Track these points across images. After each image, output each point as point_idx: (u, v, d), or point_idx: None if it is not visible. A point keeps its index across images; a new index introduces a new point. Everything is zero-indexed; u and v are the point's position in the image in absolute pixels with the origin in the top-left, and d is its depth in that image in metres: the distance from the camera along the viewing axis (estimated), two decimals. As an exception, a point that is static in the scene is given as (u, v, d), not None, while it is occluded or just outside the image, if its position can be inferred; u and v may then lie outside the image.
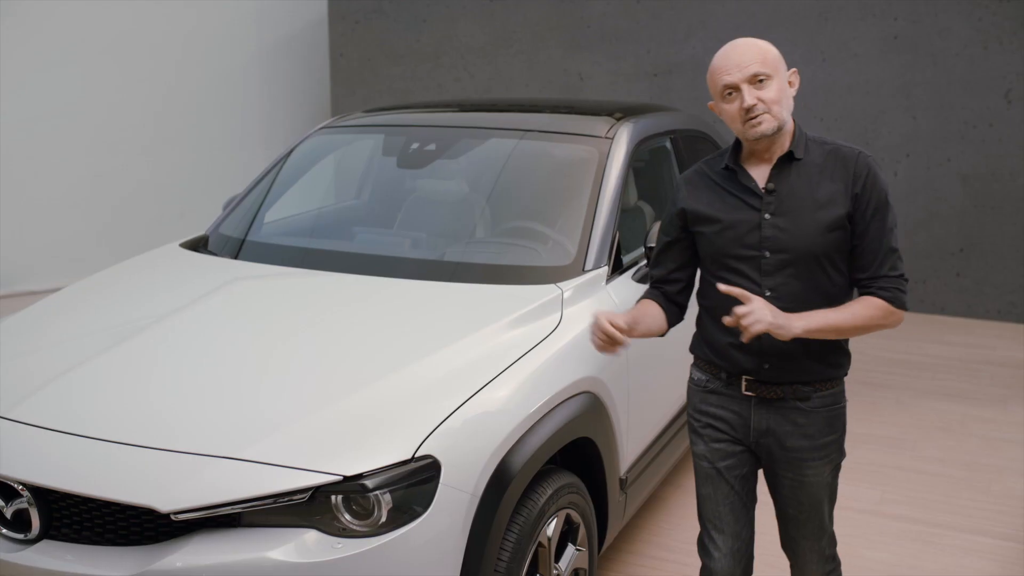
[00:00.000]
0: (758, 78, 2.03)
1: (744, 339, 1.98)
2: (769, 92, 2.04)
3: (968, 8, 6.10)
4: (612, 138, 3.20)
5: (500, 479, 2.11)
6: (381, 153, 3.52)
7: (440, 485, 1.99)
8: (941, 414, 4.66)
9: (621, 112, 3.50)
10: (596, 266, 2.85)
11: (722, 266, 2.15)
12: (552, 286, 2.68)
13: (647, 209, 3.71)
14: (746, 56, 2.05)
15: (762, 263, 2.09)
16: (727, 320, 1.99)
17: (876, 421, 4.55)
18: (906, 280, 2.12)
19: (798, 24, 6.53)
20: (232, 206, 3.45)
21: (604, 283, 2.84)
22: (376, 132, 3.56)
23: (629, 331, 2.11)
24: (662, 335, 2.32)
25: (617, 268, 2.95)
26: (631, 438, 2.83)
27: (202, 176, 7.72)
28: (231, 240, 3.23)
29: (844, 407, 2.26)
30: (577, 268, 2.81)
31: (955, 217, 6.35)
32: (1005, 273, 6.28)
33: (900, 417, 4.60)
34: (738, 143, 2.19)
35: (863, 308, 2.08)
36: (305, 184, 3.49)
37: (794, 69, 2.16)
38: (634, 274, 2.99)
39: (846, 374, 2.24)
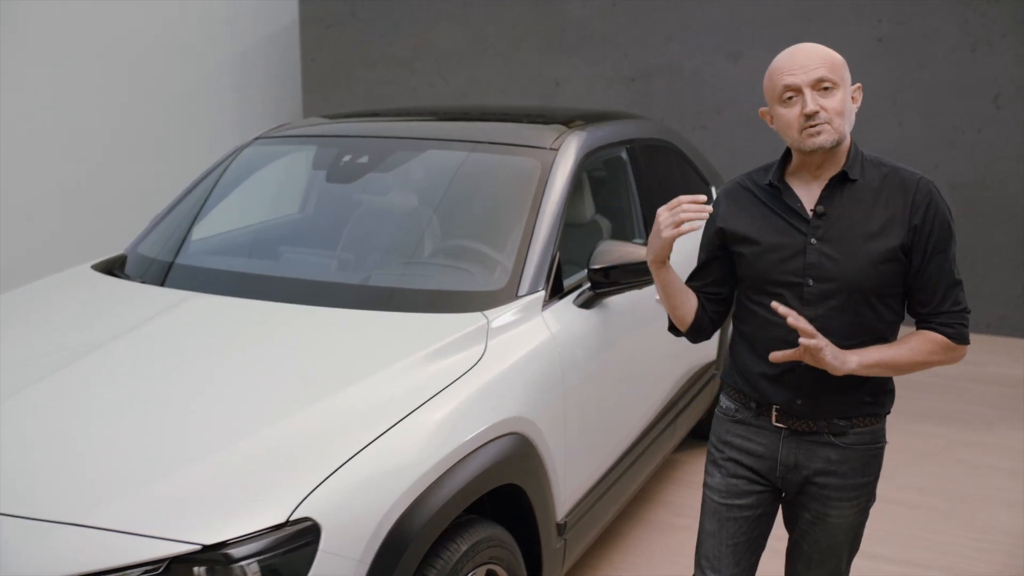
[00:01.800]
0: (823, 84, 1.88)
1: (799, 354, 1.87)
2: (833, 101, 1.89)
3: (956, 9, 5.86)
4: (558, 149, 2.96)
5: (396, 541, 1.86)
6: (311, 167, 3.27)
7: (319, 552, 1.74)
8: (925, 438, 4.40)
9: (574, 120, 3.26)
10: (532, 290, 2.60)
11: (761, 291, 2.01)
12: (478, 315, 2.44)
13: (604, 224, 3.47)
14: (813, 58, 1.90)
15: (804, 291, 1.94)
16: (790, 322, 1.85)
17: (855, 446, 4.30)
18: (969, 312, 1.98)
19: (781, 27, 6.28)
20: (152, 224, 3.21)
21: (540, 309, 2.59)
22: (311, 143, 3.32)
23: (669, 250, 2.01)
24: (684, 332, 2.17)
25: (557, 292, 2.70)
26: (570, 480, 2.58)
27: (172, 183, 7.45)
28: (145, 262, 2.99)
29: (883, 447, 2.10)
30: (510, 293, 2.57)
31: (944, 227, 6.09)
32: (996, 285, 6.03)
33: (881, 441, 4.35)
34: (785, 157, 2.03)
35: (923, 344, 1.94)
36: (235, 200, 3.25)
37: (858, 84, 2.00)
38: (576, 298, 2.74)
39: (889, 412, 2.09)
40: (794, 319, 1.86)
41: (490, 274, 2.66)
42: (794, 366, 1.99)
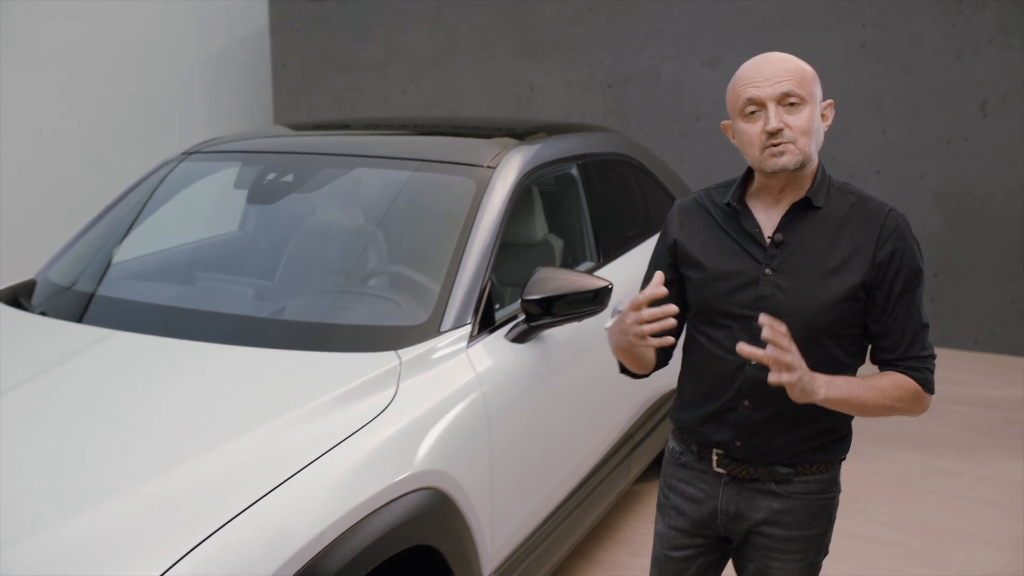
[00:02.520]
0: (789, 99, 1.71)
1: (772, 380, 1.63)
2: (799, 119, 1.71)
3: (941, 14, 5.64)
4: (495, 167, 2.74)
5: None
6: (233, 186, 3.05)
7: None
8: (900, 465, 4.18)
9: (522, 135, 3.05)
10: (457, 324, 2.38)
11: (708, 321, 1.85)
12: (390, 354, 2.22)
13: (557, 244, 3.26)
14: (780, 70, 1.73)
15: (754, 326, 1.75)
16: (764, 335, 1.62)
17: (828, 475, 4.08)
18: (935, 358, 1.82)
19: (761, 32, 6.07)
20: (65, 247, 2.99)
21: (465, 346, 2.37)
22: (236, 160, 3.09)
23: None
24: (646, 374, 1.98)
25: (488, 325, 2.49)
26: (499, 535, 2.36)
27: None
28: (51, 290, 2.77)
29: (835, 498, 1.93)
30: (431, 328, 2.35)
31: (929, 239, 5.88)
32: (982, 299, 5.81)
33: (854, 469, 4.13)
34: (747, 176, 1.86)
35: (893, 386, 1.77)
36: (156, 221, 3.03)
37: (830, 101, 1.82)
38: (508, 332, 2.53)
39: (843, 458, 1.92)
40: (749, 351, 1.63)
41: (410, 307, 2.44)
42: (736, 404, 1.84)
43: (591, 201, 3.17)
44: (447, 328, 2.36)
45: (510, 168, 2.76)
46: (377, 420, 2.03)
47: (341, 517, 1.83)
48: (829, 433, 1.86)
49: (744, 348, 1.64)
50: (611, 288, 2.55)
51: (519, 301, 2.57)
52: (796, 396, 1.67)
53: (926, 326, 1.81)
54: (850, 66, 5.87)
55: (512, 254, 3.20)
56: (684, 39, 6.29)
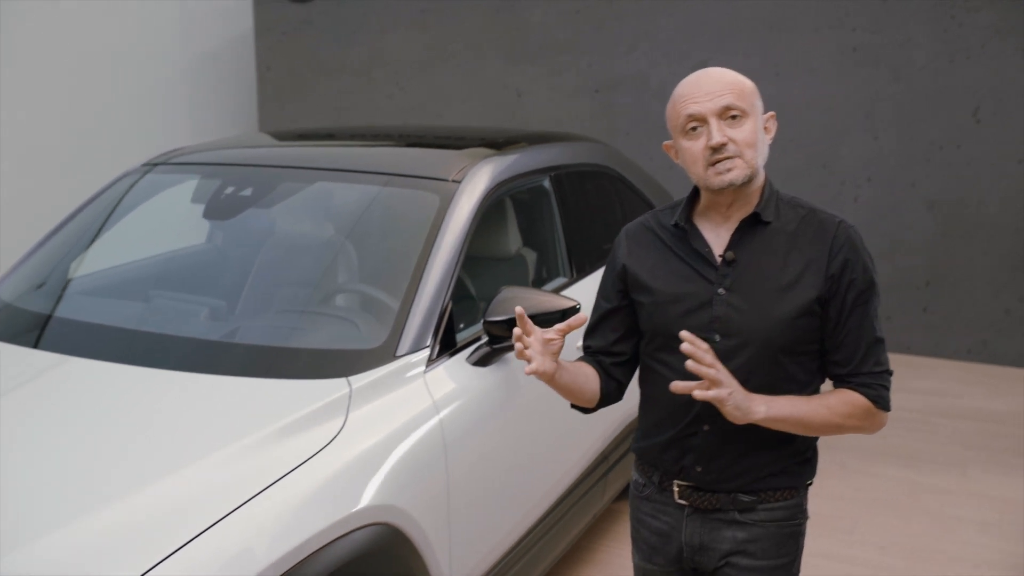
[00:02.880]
0: (731, 112, 1.69)
1: (698, 395, 1.63)
2: (743, 132, 1.70)
3: (933, 18, 5.53)
4: (460, 182, 2.64)
5: None
6: (191, 200, 2.94)
7: None
8: (889, 484, 4.07)
9: (493, 145, 2.95)
10: (414, 348, 2.28)
11: (662, 346, 1.81)
12: (341, 381, 2.11)
13: (531, 257, 3.16)
14: (719, 84, 1.70)
15: (710, 348, 1.68)
16: (684, 348, 1.62)
17: (812, 493, 3.95)
18: (891, 374, 1.79)
19: (750, 36, 5.96)
20: (18, 263, 2.88)
21: (423, 371, 2.26)
22: (196, 172, 2.98)
23: (554, 366, 1.74)
24: (592, 408, 1.94)
25: (449, 348, 2.38)
26: (459, 569, 2.25)
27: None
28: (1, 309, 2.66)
29: (801, 524, 1.89)
30: (386, 353, 2.24)
31: (921, 247, 5.78)
32: (976, 309, 5.70)
33: (841, 487, 4.03)
34: (693, 196, 1.82)
35: (842, 404, 1.75)
36: (114, 236, 2.92)
37: (772, 113, 1.80)
38: (470, 355, 2.42)
39: (810, 483, 1.88)
40: (680, 387, 1.65)
41: (365, 330, 2.34)
42: (696, 429, 1.81)
43: (564, 214, 3.07)
44: (403, 352, 2.25)
45: (476, 182, 2.66)
46: (322, 453, 1.93)
47: (281, 558, 1.73)
48: (792, 456, 1.82)
49: (678, 385, 1.65)
50: (578, 308, 2.45)
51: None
52: (732, 415, 1.66)
53: (880, 340, 1.77)
54: (841, 71, 5.76)
55: (485, 268, 3.10)
56: (673, 43, 6.18)
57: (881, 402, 1.76)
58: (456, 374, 2.34)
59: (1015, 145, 5.45)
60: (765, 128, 1.77)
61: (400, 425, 2.11)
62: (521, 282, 3.07)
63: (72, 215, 2.99)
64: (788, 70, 5.88)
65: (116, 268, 2.97)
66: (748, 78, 1.79)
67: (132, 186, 3.04)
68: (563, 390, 1.85)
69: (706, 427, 1.79)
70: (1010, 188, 5.50)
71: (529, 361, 1.71)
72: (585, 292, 2.99)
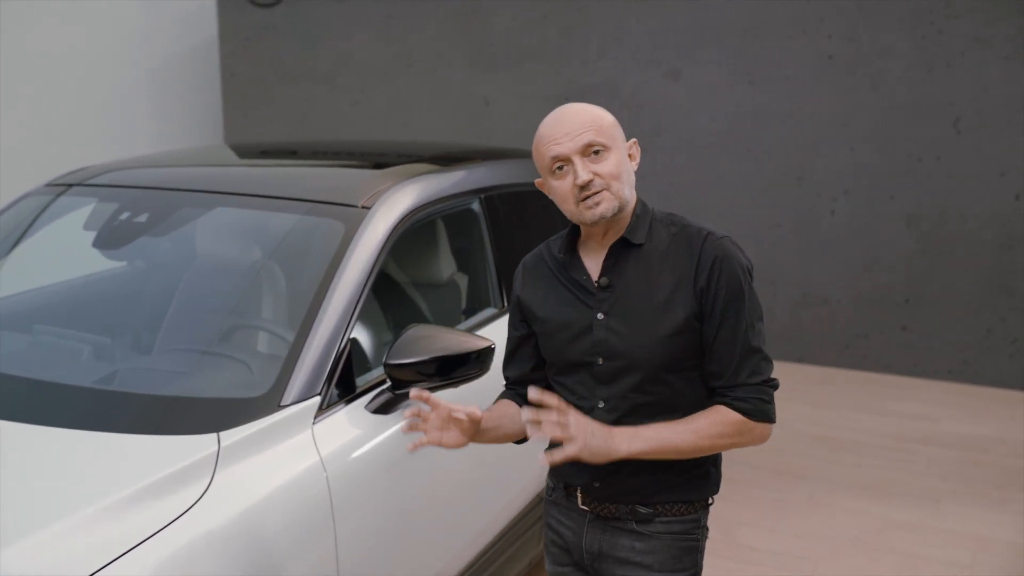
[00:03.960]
0: (593, 148, 1.73)
1: (545, 460, 1.69)
2: (607, 165, 1.74)
3: (912, 25, 5.31)
4: (371, 208, 2.40)
5: None
6: (83, 226, 2.70)
7: None
8: (857, 519, 3.84)
9: (422, 164, 2.72)
10: (303, 396, 2.04)
11: (560, 370, 1.88)
12: (210, 437, 1.88)
13: (464, 282, 2.93)
14: (577, 122, 1.74)
15: (595, 370, 1.80)
16: (532, 396, 1.68)
17: (776, 529, 3.74)
18: (773, 386, 1.79)
19: (722, 42, 5.74)
20: None
21: (311, 423, 2.03)
22: (94, 195, 2.74)
23: (475, 423, 1.78)
24: (522, 440, 1.94)
25: (347, 394, 2.14)
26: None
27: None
28: None
29: (699, 539, 1.90)
30: (269, 402, 2.00)
31: (900, 263, 5.56)
32: (957, 327, 5.48)
33: (807, 523, 3.79)
34: (575, 226, 1.86)
35: (710, 424, 1.75)
36: (10, 263, 2.69)
37: (634, 140, 1.84)
38: (370, 402, 2.18)
39: (710, 501, 1.90)
40: (536, 396, 1.66)
41: (248, 376, 2.10)
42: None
43: (496, 239, 2.84)
44: (289, 401, 2.02)
45: (389, 209, 2.43)
46: (181, 521, 1.69)
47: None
48: (688, 472, 1.84)
49: (526, 413, 1.66)
50: (494, 348, 2.22)
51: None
52: (591, 459, 1.67)
53: (756, 350, 1.76)
54: (816, 79, 5.54)
55: (415, 295, 2.87)
56: (643, 50, 5.96)
57: (758, 415, 1.75)
58: (351, 424, 2.11)
59: (997, 157, 5.23)
60: (630, 155, 1.81)
61: (277, 487, 1.87)
62: (452, 311, 2.84)
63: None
64: (761, 78, 5.66)
65: None
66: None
67: (47, 208, 2.81)
68: (492, 441, 1.88)
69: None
70: (992, 202, 5.28)
71: (424, 433, 1.76)
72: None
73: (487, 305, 2.83)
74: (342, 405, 2.13)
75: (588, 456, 1.67)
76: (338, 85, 6.97)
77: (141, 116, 7.37)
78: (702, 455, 1.78)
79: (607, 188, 1.73)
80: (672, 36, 5.87)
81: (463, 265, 2.86)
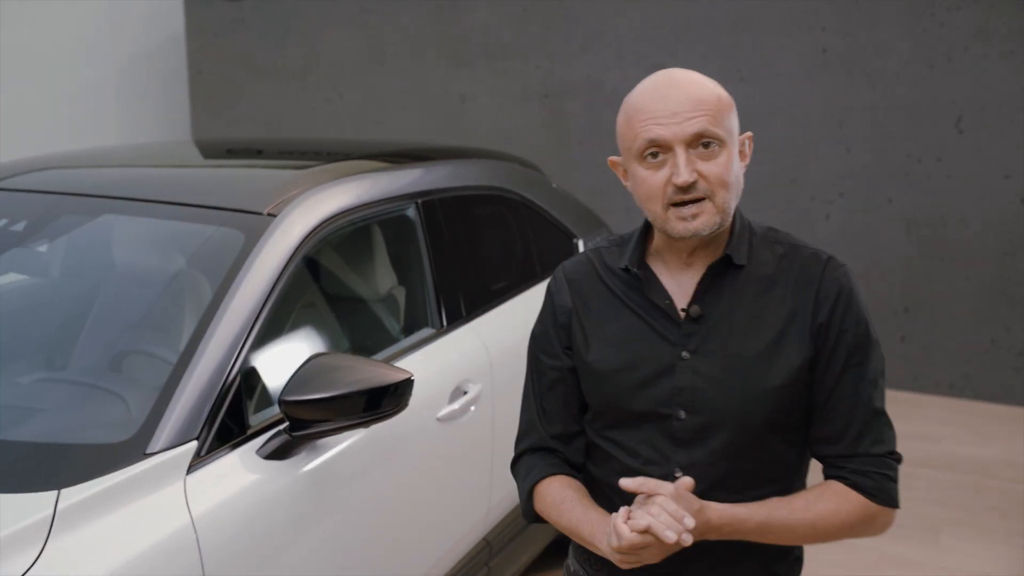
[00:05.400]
0: (703, 140, 1.35)
1: (623, 564, 1.30)
2: (716, 166, 1.35)
3: (909, 19, 4.99)
4: (277, 215, 2.08)
5: None
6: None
7: None
8: (851, 553, 3.50)
9: (353, 164, 2.41)
10: (175, 442, 1.71)
11: (613, 423, 1.44)
12: (47, 495, 1.54)
13: (396, 301, 2.61)
14: (690, 100, 1.35)
15: (674, 426, 1.39)
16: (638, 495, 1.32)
17: (759, 567, 3.40)
18: (898, 460, 1.43)
19: (711, 36, 5.42)
20: None
21: (183, 475, 1.70)
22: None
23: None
24: None
25: (236, 436, 1.82)
26: None
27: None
28: None
29: None
30: (131, 450, 1.67)
31: (898, 270, 5.23)
32: (958, 339, 5.14)
33: (793, 560, 3.46)
34: (646, 231, 1.47)
35: (831, 511, 1.37)
36: None
37: (749, 134, 1.45)
38: (262, 446, 1.85)
39: None
40: (631, 485, 1.31)
41: (107, 418, 1.78)
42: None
43: (435, 250, 2.51)
44: (158, 448, 1.69)
45: (300, 216, 2.10)
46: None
47: None
48: (779, 559, 1.48)
49: (626, 483, 1.30)
50: (412, 380, 1.90)
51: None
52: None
53: (881, 413, 1.41)
54: (810, 76, 5.22)
55: (350, 312, 2.55)
56: (627, 45, 5.64)
57: (882, 496, 1.39)
58: (238, 474, 1.78)
59: (1001, 158, 4.90)
60: (741, 153, 1.42)
61: (130, 559, 1.54)
62: (379, 334, 2.52)
63: None
64: (752, 74, 5.34)
65: None
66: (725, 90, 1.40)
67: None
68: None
69: None
70: (995, 205, 4.95)
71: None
72: (461, 345, 2.45)
73: (423, 325, 2.50)
74: (227, 450, 1.80)
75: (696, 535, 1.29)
76: (310, 83, 6.67)
77: (106, 116, 7.07)
78: (814, 543, 1.42)
79: (711, 197, 1.35)
80: (657, 30, 5.55)
81: (396, 281, 2.53)
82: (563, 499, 1.44)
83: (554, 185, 3.42)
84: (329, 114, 6.65)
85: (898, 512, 3.86)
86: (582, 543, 1.43)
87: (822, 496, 1.39)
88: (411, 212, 2.50)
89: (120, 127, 7.13)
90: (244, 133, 6.92)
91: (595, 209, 3.75)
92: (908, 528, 3.70)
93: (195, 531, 1.65)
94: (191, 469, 1.72)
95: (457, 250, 2.60)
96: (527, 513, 1.54)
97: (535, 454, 1.53)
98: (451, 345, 2.45)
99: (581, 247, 3.24)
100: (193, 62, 7.07)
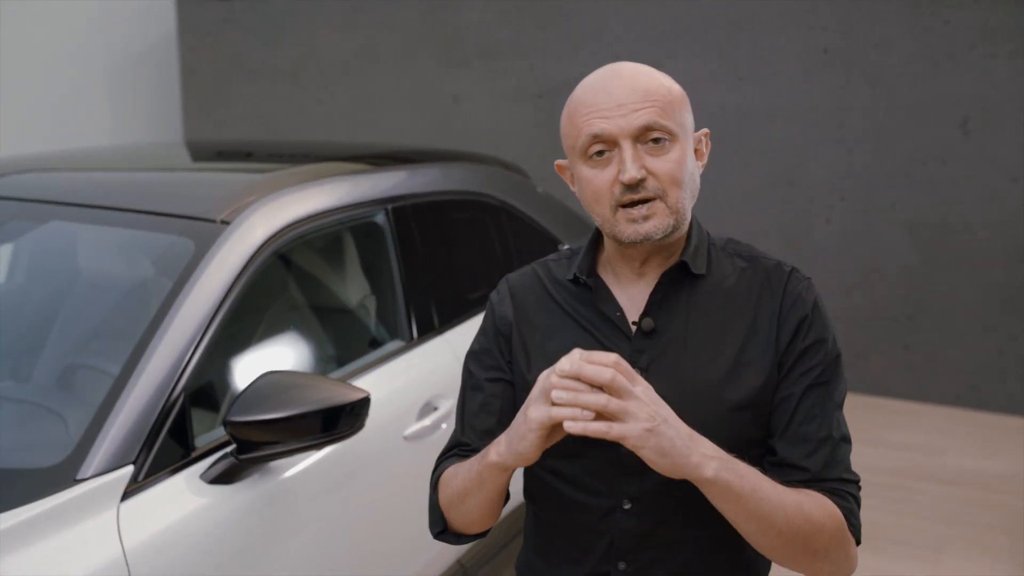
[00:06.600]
0: (652, 134, 1.23)
1: (576, 430, 1.08)
2: (667, 163, 1.23)
3: (912, 17, 4.85)
4: (231, 223, 1.96)
5: None
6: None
7: None
8: (847, 572, 3.37)
9: (319, 167, 2.28)
10: (112, 465, 1.59)
11: (553, 451, 1.21)
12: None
13: (364, 313, 2.49)
14: (635, 91, 1.24)
15: (622, 453, 1.23)
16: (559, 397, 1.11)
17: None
18: (857, 499, 1.28)
19: (706, 35, 5.29)
20: None
21: (117, 502, 1.58)
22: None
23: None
24: (478, 533, 1.34)
25: (176, 461, 1.69)
26: None
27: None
28: None
29: None
30: (59, 476, 1.55)
31: (901, 276, 5.08)
32: (964, 348, 5.00)
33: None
34: (596, 240, 1.36)
35: (814, 505, 1.21)
36: None
37: (705, 130, 1.35)
38: (206, 471, 1.73)
39: None
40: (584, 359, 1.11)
41: (47, 436, 1.66)
42: (608, 568, 1.29)
43: (406, 259, 2.38)
44: (90, 474, 1.58)
45: (256, 223, 1.98)
46: None
47: None
48: (736, 563, 1.33)
49: (573, 427, 1.09)
50: (369, 400, 1.78)
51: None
52: (658, 459, 1.10)
53: (846, 439, 1.28)
54: (809, 75, 5.08)
55: (300, 328, 2.42)
56: (622, 44, 5.51)
57: (853, 521, 1.25)
58: (178, 500, 1.65)
59: (1008, 161, 4.76)
60: (696, 151, 1.30)
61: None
62: (344, 348, 2.39)
63: None
64: (750, 74, 5.20)
65: None
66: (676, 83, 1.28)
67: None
68: (491, 498, 1.26)
69: (622, 565, 1.29)
70: (1002, 210, 4.81)
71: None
72: (433, 358, 2.33)
73: (394, 336, 2.38)
74: (167, 475, 1.68)
75: (653, 454, 1.10)
76: (302, 83, 6.56)
77: (97, 116, 6.97)
78: (781, 539, 1.19)
79: (662, 197, 1.23)
80: (654, 29, 5.42)
81: (364, 291, 2.41)
82: (461, 466, 1.28)
83: (539, 189, 3.29)
84: (322, 114, 6.54)
85: (899, 528, 3.67)
86: (486, 476, 1.22)
87: (807, 493, 1.24)
88: (380, 219, 2.38)
89: (111, 127, 7.03)
90: (235, 134, 6.81)
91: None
92: (909, 545, 3.56)
93: (127, 564, 1.53)
94: (126, 496, 1.60)
95: (430, 258, 2.47)
96: (434, 522, 1.35)
97: (447, 460, 1.37)
98: (421, 358, 2.32)
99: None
100: (185, 62, 6.97)
